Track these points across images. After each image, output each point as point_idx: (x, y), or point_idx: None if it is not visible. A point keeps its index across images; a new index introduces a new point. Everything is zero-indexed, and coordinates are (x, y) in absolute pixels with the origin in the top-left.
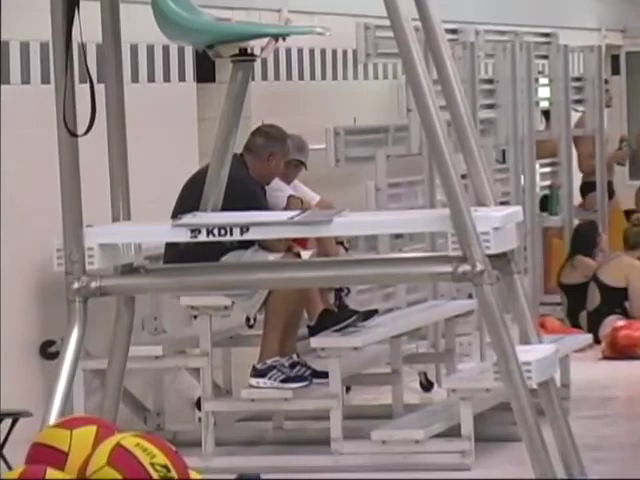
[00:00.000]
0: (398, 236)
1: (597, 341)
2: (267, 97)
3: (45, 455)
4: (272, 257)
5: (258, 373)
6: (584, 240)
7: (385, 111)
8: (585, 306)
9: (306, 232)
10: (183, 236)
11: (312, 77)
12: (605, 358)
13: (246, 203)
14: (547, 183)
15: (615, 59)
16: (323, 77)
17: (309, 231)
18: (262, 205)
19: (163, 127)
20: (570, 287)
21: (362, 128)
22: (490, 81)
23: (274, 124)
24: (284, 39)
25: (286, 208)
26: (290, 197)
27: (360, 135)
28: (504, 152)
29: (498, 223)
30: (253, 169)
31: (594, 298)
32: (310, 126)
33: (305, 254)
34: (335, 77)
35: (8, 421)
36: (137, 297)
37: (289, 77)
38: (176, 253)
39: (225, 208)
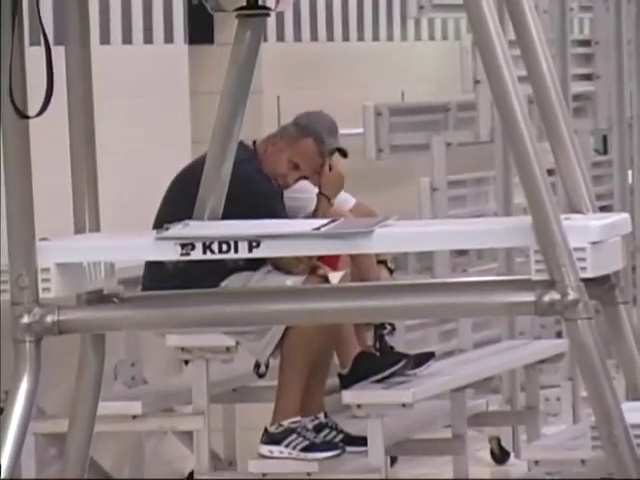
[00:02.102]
0: (462, 253)
1: None
2: (284, 64)
3: None
4: (290, 281)
5: (272, 439)
6: None
7: (444, 83)
8: None
9: (337, 248)
10: (170, 253)
11: (345, 37)
12: None
13: (257, 209)
14: None
15: None
16: (360, 37)
17: (341, 247)
18: (278, 212)
19: (144, 105)
20: None
21: (413, 106)
22: (587, 43)
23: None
24: None
25: (315, 213)
26: (320, 195)
27: (410, 116)
28: (605, 139)
29: (598, 236)
30: (265, 160)
31: None
32: (342, 103)
33: (335, 277)
34: (377, 37)
35: None
36: (109, 336)
37: (314, 37)
38: (161, 276)
39: (228, 215)
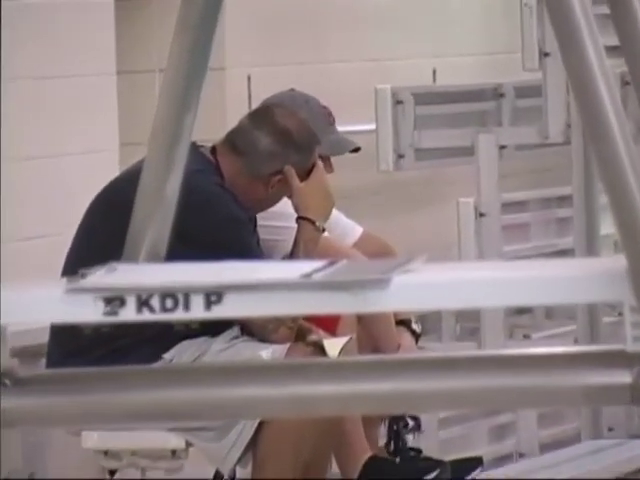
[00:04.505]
0: (522, 311)
1: None
2: (257, 29)
3: None
4: (267, 353)
5: None
6: None
7: (495, 57)
8: None
9: (337, 304)
10: (89, 312)
11: None
12: None
13: (218, 244)
14: None
15: None
16: None
17: (343, 302)
18: (250, 248)
19: (50, 90)
20: None
21: (449, 91)
22: None
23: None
24: None
25: (295, 247)
26: (301, 220)
27: (445, 105)
28: None
29: None
30: (236, 184)
31: None
32: (343, 86)
33: (333, 347)
34: None
35: None
36: None
37: None
38: (75, 346)
39: (175, 254)
